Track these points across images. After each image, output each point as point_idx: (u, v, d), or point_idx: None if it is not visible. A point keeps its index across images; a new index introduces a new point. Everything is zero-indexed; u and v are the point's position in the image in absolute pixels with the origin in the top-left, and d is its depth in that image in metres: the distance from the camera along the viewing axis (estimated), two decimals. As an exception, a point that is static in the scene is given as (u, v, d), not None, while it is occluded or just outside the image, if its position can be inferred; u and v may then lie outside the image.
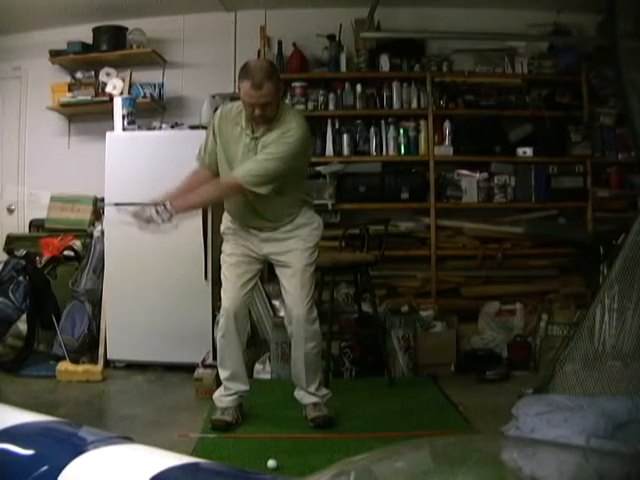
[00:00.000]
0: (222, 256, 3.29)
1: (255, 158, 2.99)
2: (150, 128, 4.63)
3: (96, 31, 5.03)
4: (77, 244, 4.68)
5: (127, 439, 0.95)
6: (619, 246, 3.19)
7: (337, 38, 5.00)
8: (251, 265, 3.22)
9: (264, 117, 2.96)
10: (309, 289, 3.17)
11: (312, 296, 3.20)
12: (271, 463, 2.61)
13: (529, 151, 4.88)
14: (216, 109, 4.75)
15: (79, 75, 5.10)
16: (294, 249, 3.15)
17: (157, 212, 2.81)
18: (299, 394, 3.27)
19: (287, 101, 4.69)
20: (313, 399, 3.22)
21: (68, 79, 5.14)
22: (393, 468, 0.87)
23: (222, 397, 3.24)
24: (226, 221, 3.30)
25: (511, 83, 5.03)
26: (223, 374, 3.25)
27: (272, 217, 3.14)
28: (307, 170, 3.32)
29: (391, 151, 4.94)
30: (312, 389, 3.21)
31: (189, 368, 3.98)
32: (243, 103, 2.99)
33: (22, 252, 4.55)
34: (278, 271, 3.24)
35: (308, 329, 3.15)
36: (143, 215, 2.84)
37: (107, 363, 4.36)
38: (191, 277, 4.35)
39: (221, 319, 3.25)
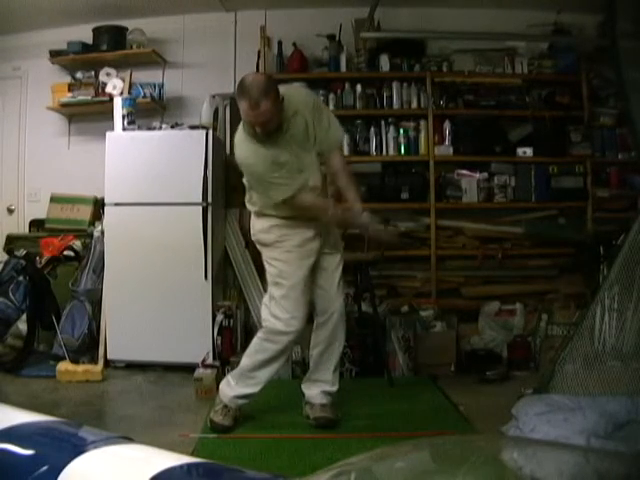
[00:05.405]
0: (274, 263, 3.10)
1: (327, 127, 3.07)
2: (150, 128, 4.63)
3: (96, 31, 5.03)
4: (77, 244, 4.68)
5: (127, 439, 0.95)
6: (619, 246, 3.19)
7: (337, 38, 5.00)
8: (309, 262, 3.12)
9: (267, 132, 2.90)
10: (342, 287, 3.27)
11: None
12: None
13: (529, 151, 4.88)
14: (216, 109, 4.80)
15: (79, 75, 5.09)
16: (335, 247, 3.23)
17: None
18: (310, 391, 3.23)
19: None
20: (322, 400, 3.21)
21: (68, 79, 5.14)
22: (393, 468, 0.87)
23: (234, 398, 3.15)
24: (269, 223, 3.11)
25: (511, 83, 5.03)
26: (251, 378, 3.13)
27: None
28: None
29: (391, 151, 4.95)
30: (329, 378, 3.21)
31: (189, 368, 3.98)
32: (244, 120, 2.94)
33: (22, 252, 4.55)
34: (316, 269, 3.16)
35: (340, 325, 3.21)
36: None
37: (107, 363, 4.36)
38: (191, 277, 4.35)
39: (281, 336, 3.06)
